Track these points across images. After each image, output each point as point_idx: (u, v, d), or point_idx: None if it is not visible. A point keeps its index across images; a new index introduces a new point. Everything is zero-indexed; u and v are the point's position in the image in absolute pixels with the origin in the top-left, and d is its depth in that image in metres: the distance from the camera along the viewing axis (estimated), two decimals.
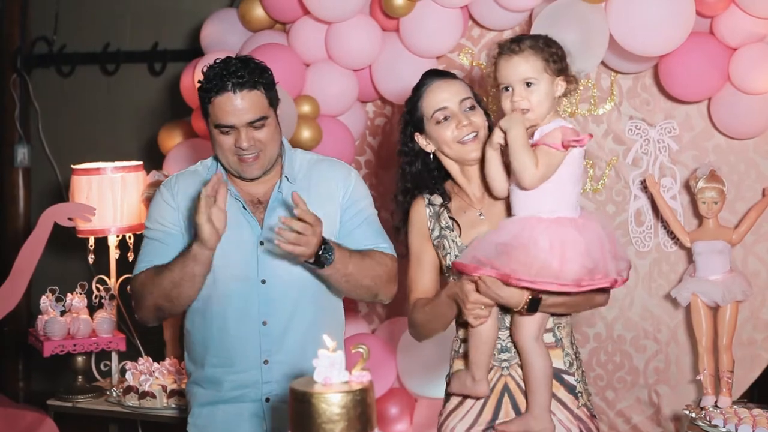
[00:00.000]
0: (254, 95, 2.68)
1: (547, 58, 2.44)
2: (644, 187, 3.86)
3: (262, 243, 2.75)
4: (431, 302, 2.60)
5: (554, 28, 3.45)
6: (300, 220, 2.52)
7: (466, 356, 2.60)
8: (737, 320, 3.61)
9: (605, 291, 2.51)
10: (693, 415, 3.42)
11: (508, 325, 2.55)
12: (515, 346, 2.55)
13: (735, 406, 3.45)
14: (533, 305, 2.44)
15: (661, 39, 3.53)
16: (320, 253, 2.59)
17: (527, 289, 2.40)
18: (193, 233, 2.64)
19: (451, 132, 2.57)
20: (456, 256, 2.57)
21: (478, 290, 2.43)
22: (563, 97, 2.50)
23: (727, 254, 3.63)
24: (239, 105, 2.66)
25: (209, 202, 2.56)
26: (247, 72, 2.67)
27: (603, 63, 3.79)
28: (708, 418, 3.34)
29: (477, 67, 4.05)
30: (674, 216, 3.77)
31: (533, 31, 3.52)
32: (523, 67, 2.43)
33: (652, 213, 3.89)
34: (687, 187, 3.78)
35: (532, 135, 2.45)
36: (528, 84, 2.44)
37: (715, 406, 3.52)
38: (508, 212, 2.52)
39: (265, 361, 2.75)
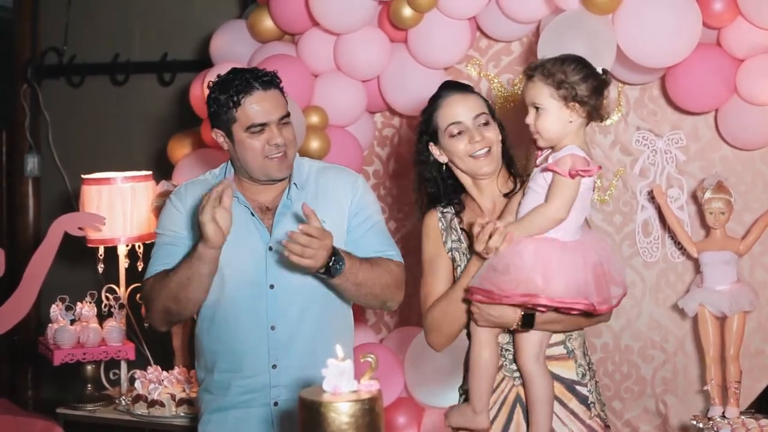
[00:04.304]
0: (278, 94, 2.77)
1: (553, 85, 2.42)
2: (651, 197, 3.86)
3: (270, 248, 2.77)
4: (448, 290, 2.61)
5: (561, 39, 3.48)
6: (306, 233, 2.54)
7: None
8: (744, 331, 3.61)
9: None
10: (701, 425, 3.42)
11: None
12: (518, 369, 2.56)
13: (743, 417, 3.45)
14: (527, 320, 2.46)
15: (668, 50, 3.54)
16: (330, 263, 2.61)
17: (515, 305, 2.42)
18: (198, 233, 2.65)
19: (464, 146, 2.59)
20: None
21: (474, 319, 2.49)
22: (594, 120, 2.49)
23: (734, 265, 3.63)
24: (270, 102, 2.73)
25: (214, 202, 2.58)
26: (267, 73, 2.76)
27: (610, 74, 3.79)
28: (716, 429, 3.34)
29: (484, 78, 4.07)
30: (681, 226, 3.77)
31: (540, 43, 3.53)
32: (532, 92, 2.46)
33: (659, 223, 3.89)
34: (694, 197, 3.79)
35: (546, 159, 2.46)
36: (537, 109, 2.45)
37: (723, 416, 3.52)
38: None
39: (274, 366, 2.77)
